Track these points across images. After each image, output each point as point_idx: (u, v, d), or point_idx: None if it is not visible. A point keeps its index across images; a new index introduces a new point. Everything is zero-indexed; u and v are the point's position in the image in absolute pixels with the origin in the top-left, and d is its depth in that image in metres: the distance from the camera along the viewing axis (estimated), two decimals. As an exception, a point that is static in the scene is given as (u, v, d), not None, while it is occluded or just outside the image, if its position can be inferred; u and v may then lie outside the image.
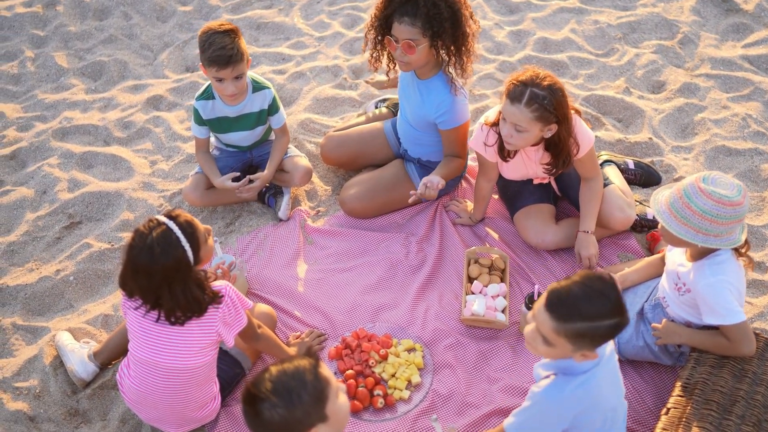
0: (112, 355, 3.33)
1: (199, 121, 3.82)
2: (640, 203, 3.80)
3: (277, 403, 2.06)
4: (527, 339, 2.42)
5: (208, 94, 3.77)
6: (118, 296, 3.64)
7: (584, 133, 3.34)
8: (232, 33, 3.56)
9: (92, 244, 3.86)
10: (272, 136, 4.05)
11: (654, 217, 3.72)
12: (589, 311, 2.23)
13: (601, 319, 2.23)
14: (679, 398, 2.76)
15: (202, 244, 2.73)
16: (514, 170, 3.57)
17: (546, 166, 3.41)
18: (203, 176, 3.94)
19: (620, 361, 3.22)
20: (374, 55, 3.67)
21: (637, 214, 3.72)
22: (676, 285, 2.94)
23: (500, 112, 3.28)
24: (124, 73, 5.00)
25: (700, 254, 2.84)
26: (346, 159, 4.09)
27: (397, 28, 3.40)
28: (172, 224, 2.65)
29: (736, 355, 2.83)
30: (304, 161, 4.00)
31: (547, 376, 2.49)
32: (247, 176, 3.83)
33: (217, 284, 2.83)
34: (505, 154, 3.40)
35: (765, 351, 2.86)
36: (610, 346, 2.49)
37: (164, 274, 2.62)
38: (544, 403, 2.45)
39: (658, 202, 2.85)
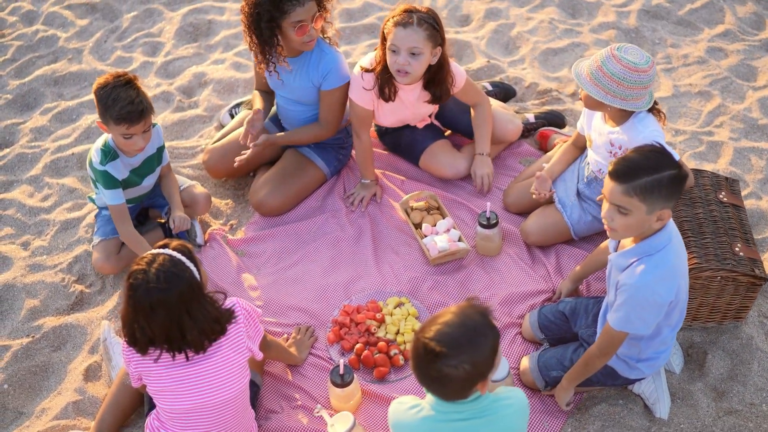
0: (112, 430, 3.05)
1: (115, 185, 3.49)
2: (516, 112, 4.17)
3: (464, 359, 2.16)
4: (607, 223, 2.61)
5: (112, 155, 3.46)
6: (72, 382, 3.31)
7: (455, 66, 3.61)
8: (134, 83, 3.32)
9: (10, 345, 3.45)
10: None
11: (535, 119, 4.12)
12: (648, 163, 2.48)
13: (660, 169, 2.47)
14: (656, 239, 3.14)
15: (200, 266, 2.62)
16: (391, 114, 3.72)
17: (428, 101, 3.62)
18: (110, 241, 3.66)
19: (576, 241, 3.59)
20: (268, 58, 3.58)
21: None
22: (611, 152, 3.31)
23: (383, 53, 3.43)
24: (-71, 172, 4.44)
25: (622, 117, 3.21)
26: (234, 167, 4.00)
27: (300, 12, 3.37)
28: (169, 251, 2.52)
29: (681, 190, 3.26)
30: (199, 188, 3.85)
31: (630, 264, 2.62)
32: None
33: (227, 301, 2.73)
34: (387, 94, 3.55)
35: (698, 179, 3.33)
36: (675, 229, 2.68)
37: (181, 300, 2.46)
38: (641, 291, 2.57)
39: (580, 75, 3.16)
